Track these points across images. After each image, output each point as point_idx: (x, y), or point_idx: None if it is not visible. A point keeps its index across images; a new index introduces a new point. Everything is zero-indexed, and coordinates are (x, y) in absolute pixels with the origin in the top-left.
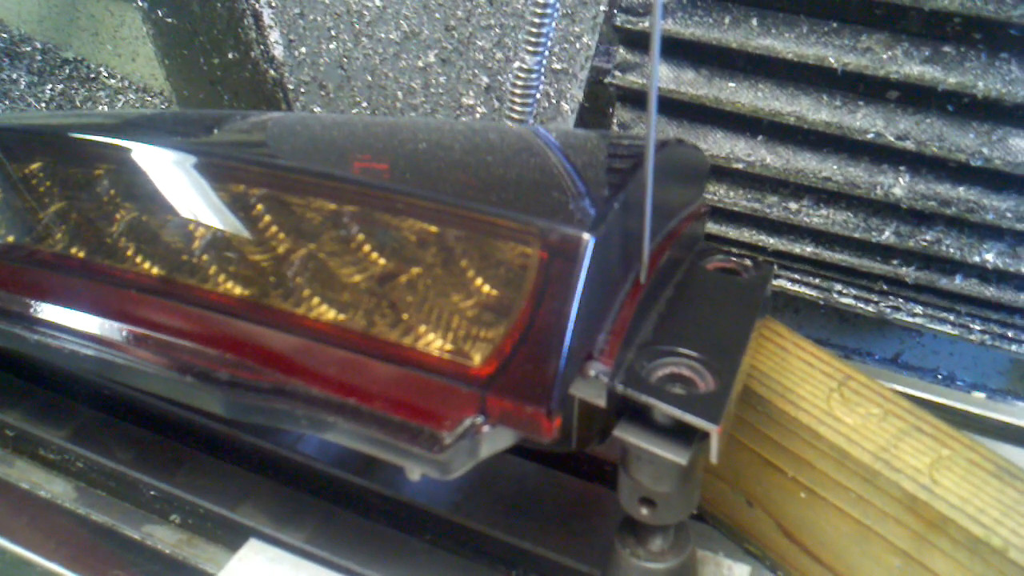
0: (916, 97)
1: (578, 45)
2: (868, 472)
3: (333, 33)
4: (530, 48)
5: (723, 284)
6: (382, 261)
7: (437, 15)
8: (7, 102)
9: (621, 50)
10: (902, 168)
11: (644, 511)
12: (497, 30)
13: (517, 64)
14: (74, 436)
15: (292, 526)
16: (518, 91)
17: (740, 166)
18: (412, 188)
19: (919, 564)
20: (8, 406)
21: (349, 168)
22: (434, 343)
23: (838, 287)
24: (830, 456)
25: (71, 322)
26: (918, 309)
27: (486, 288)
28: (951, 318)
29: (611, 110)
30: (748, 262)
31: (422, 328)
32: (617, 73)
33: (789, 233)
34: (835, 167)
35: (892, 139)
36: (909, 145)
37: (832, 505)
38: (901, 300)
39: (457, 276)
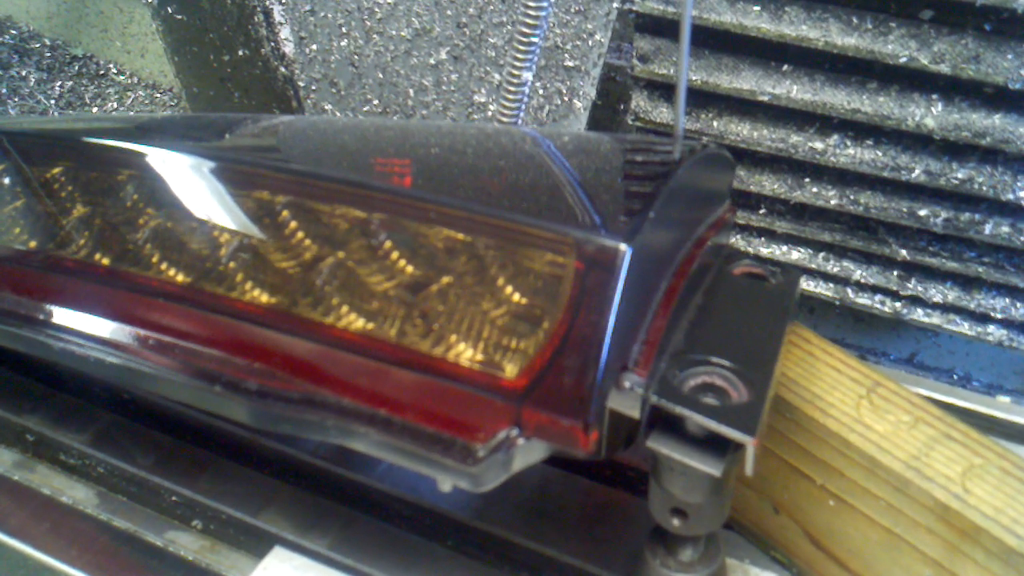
0: (951, 15)
1: (591, 42)
2: (899, 480)
3: (344, 30)
4: None
5: (751, 290)
6: (412, 270)
7: (449, 12)
8: (17, 99)
9: None
10: (935, 96)
11: (675, 522)
12: (509, 27)
13: None
14: (95, 441)
15: (315, 532)
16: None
17: (765, 99)
18: (445, 197)
19: (951, 574)
20: (28, 411)
21: (376, 175)
22: (467, 354)
23: (857, 275)
24: (860, 464)
25: (96, 330)
26: (938, 297)
27: (520, 299)
28: (971, 306)
29: (623, 106)
30: (775, 268)
31: (454, 338)
32: None
33: (814, 179)
34: (865, 97)
35: (926, 63)
36: (943, 68)
37: (862, 513)
38: (921, 287)
39: (490, 286)
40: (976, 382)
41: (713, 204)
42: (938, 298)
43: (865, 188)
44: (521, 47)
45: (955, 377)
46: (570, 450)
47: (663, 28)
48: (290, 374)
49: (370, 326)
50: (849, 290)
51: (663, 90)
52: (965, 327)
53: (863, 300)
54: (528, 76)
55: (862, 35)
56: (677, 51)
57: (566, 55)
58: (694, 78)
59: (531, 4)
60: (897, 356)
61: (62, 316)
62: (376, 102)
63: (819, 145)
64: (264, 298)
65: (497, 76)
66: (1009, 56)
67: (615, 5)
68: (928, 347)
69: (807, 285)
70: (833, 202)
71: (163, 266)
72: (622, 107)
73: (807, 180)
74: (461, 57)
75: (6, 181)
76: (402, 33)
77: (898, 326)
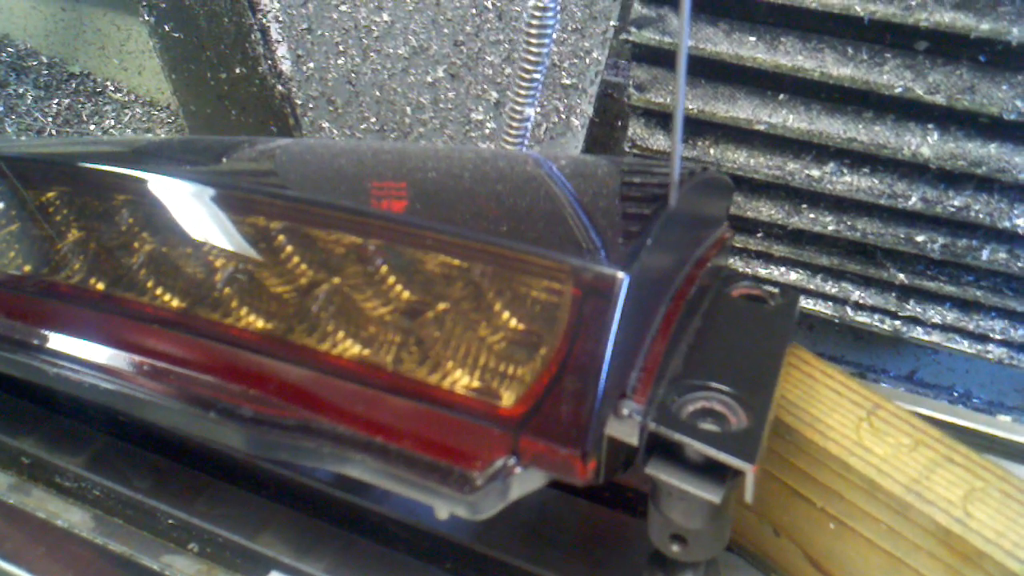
0: (946, 46)
1: (588, 60)
2: (900, 504)
3: (341, 48)
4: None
5: (750, 313)
6: (408, 296)
7: (446, 30)
8: (14, 116)
9: (636, 4)
10: (930, 126)
11: (675, 547)
12: (506, 45)
13: (532, 3)
14: (91, 464)
15: (312, 555)
16: (534, 30)
17: (762, 128)
18: (441, 224)
19: None
20: (24, 433)
21: (373, 200)
22: (463, 381)
23: (856, 296)
24: (860, 487)
25: (91, 356)
26: (936, 318)
27: (516, 326)
28: (970, 327)
29: (620, 123)
30: (774, 289)
31: (451, 365)
32: (633, 29)
33: (811, 205)
34: (860, 126)
35: (921, 93)
36: (939, 99)
37: (862, 537)
38: (920, 308)
39: (487, 313)
40: (976, 399)
41: (711, 227)
42: (937, 319)
43: (862, 214)
44: (523, 84)
45: (955, 394)
46: (568, 478)
47: (659, 58)
48: (286, 401)
49: (366, 353)
50: (848, 309)
51: (660, 118)
52: (965, 345)
53: (862, 318)
54: (531, 112)
55: (857, 65)
56: (674, 80)
57: (563, 73)
58: (691, 107)
59: (533, 41)
60: (897, 373)
61: (57, 341)
62: (373, 120)
63: (816, 173)
64: (259, 324)
65: (495, 94)
66: (1004, 87)
67: (612, 23)
68: (928, 364)
69: (806, 303)
70: (830, 228)
71: (158, 292)
72: (619, 124)
73: (804, 206)
74: (458, 75)
75: (1, 205)
76: (399, 51)
77: (898, 344)
